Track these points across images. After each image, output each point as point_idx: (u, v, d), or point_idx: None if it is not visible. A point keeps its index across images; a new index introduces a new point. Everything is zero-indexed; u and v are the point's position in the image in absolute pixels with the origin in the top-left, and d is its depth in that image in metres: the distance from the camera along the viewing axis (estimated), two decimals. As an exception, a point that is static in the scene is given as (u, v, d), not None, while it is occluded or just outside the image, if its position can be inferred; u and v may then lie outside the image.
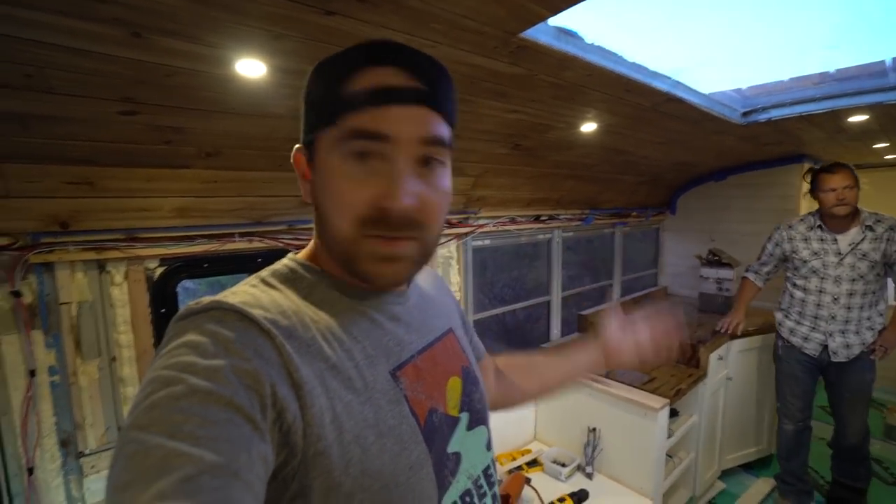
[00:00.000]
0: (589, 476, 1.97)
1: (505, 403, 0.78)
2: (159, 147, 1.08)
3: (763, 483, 2.42)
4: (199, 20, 0.74)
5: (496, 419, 2.10)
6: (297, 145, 0.49)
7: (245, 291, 0.44)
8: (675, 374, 2.18)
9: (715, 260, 2.88)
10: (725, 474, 2.48)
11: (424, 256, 0.48)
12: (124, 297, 1.20)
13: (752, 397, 2.52)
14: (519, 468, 2.01)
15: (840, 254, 2.01)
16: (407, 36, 0.88)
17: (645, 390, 1.99)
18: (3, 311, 1.05)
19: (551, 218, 2.38)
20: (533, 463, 2.07)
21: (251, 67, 0.90)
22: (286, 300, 0.45)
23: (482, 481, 0.56)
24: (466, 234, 1.92)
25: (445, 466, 0.49)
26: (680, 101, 1.41)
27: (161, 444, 0.31)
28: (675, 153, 2.42)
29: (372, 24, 0.82)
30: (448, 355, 0.57)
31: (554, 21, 0.91)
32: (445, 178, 0.47)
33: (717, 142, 2.25)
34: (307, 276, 0.49)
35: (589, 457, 2.01)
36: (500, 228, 2.09)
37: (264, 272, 0.49)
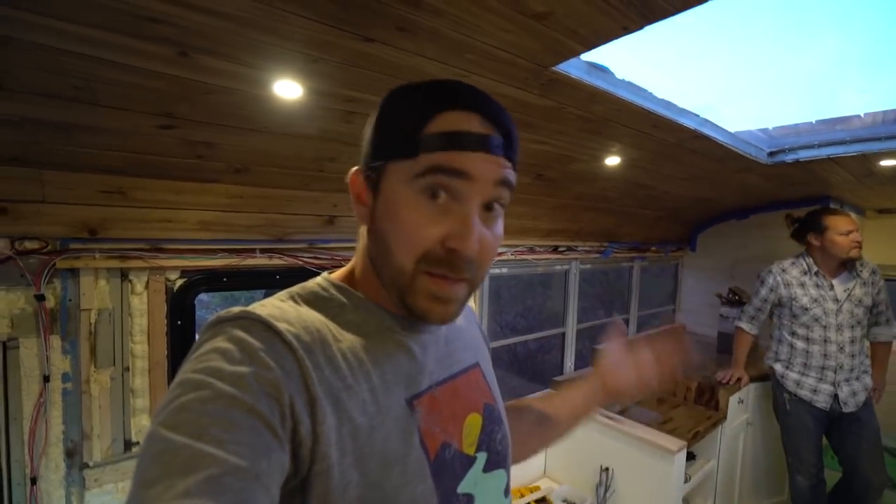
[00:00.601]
0: (600, 520, 1.88)
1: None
2: (191, 161, 1.11)
3: (784, 538, 2.28)
4: (243, 42, 0.76)
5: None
6: (355, 168, 0.49)
7: (273, 305, 0.44)
8: (693, 416, 2.11)
9: (735, 300, 2.82)
10: (744, 526, 2.35)
11: (470, 296, 0.49)
12: (143, 307, 1.21)
13: (772, 444, 2.41)
14: (527, 506, 1.94)
15: (838, 300, 1.97)
16: (441, 65, 0.90)
17: (662, 431, 1.92)
18: (27, 315, 1.06)
19: (569, 249, 2.36)
20: (542, 501, 2.00)
21: (288, 89, 0.92)
22: (312, 317, 0.45)
23: None
24: (484, 261, 1.91)
25: None
26: (706, 138, 1.40)
27: (188, 444, 0.32)
28: (698, 189, 2.40)
29: (408, 52, 0.84)
30: (471, 390, 0.55)
31: (586, 56, 0.92)
32: (501, 224, 0.49)
33: (740, 180, 2.23)
34: (338, 297, 0.49)
35: (601, 498, 1.93)
36: (518, 257, 2.08)
37: (296, 288, 0.49)
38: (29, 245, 1.05)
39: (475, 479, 0.51)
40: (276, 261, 1.39)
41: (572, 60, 0.93)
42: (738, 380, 2.24)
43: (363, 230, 0.50)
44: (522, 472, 2.15)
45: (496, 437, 0.56)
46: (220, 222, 1.27)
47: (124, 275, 1.19)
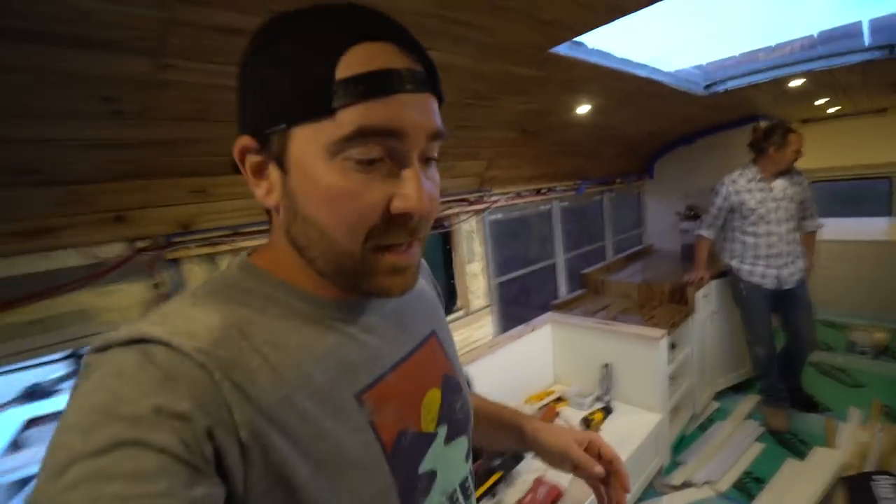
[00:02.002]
0: (608, 404, 2.32)
1: None
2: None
3: (749, 399, 2.83)
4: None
5: (517, 368, 2.47)
6: (242, 136, 0.39)
7: (179, 314, 0.37)
8: (669, 312, 2.53)
9: (692, 214, 3.27)
10: (719, 395, 2.89)
11: (421, 255, 0.45)
12: (231, 284, 1.47)
13: (734, 327, 2.92)
14: (547, 406, 2.36)
15: (777, 199, 2.42)
16: (443, 54, 1.17)
17: (646, 325, 2.35)
18: (149, 301, 1.31)
19: (550, 190, 2.71)
20: (558, 400, 2.42)
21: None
22: (231, 320, 0.38)
23: (458, 495, 0.52)
24: (483, 210, 2.23)
25: (415, 488, 0.45)
26: (657, 83, 1.73)
27: None
28: (649, 124, 2.77)
29: (441, 51, 1.11)
30: (427, 365, 0.51)
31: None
32: (436, 168, 0.43)
33: (684, 112, 2.61)
34: (262, 287, 0.42)
35: (605, 389, 2.37)
36: (509, 203, 2.40)
37: (212, 282, 0.42)
38: (141, 244, 1.29)
39: (436, 454, 0.49)
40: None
41: (558, 40, 1.22)
42: (701, 278, 2.67)
43: (274, 211, 0.42)
44: (537, 382, 2.54)
45: (456, 406, 0.53)
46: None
47: (212, 259, 1.44)
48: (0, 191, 0.91)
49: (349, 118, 0.35)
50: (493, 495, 1.69)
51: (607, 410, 2.18)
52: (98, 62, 0.78)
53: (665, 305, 2.66)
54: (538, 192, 2.63)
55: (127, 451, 0.29)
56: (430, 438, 0.48)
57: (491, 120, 1.70)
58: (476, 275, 2.29)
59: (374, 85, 0.35)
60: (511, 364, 2.29)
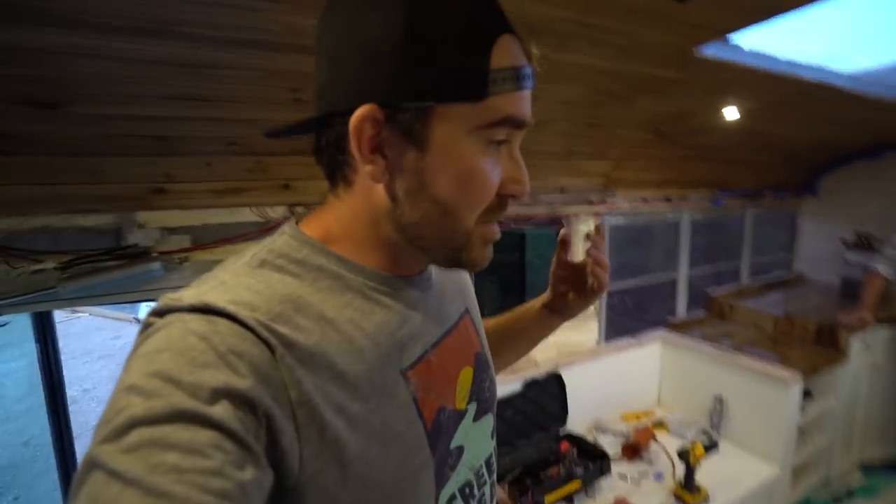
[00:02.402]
0: (714, 441, 2.11)
1: None
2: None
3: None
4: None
5: (618, 381, 2.37)
6: (366, 106, 0.36)
7: (238, 283, 0.37)
8: (810, 355, 2.19)
9: (864, 244, 2.74)
10: (866, 469, 2.41)
11: None
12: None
13: (902, 390, 2.41)
14: (644, 426, 2.22)
15: None
16: (579, 55, 1.17)
17: (778, 364, 2.05)
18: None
19: (681, 199, 2.51)
20: (658, 424, 2.27)
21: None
22: (286, 292, 0.38)
23: (483, 470, 0.53)
24: (605, 213, 2.17)
25: (446, 463, 0.47)
26: (829, 86, 1.50)
27: (137, 480, 0.26)
28: (817, 131, 2.37)
29: (575, 53, 1.13)
30: (462, 343, 0.53)
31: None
32: None
33: (866, 119, 2.19)
34: (315, 259, 0.42)
35: (714, 423, 2.15)
36: (633, 207, 2.29)
37: (263, 251, 0.41)
38: (299, 210, 1.54)
39: (466, 430, 0.50)
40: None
41: (704, 40, 1.15)
42: (863, 321, 2.23)
43: (367, 186, 0.41)
44: (638, 400, 2.38)
45: (485, 384, 0.55)
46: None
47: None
48: (213, 157, 1.19)
49: (500, 106, 0.38)
50: (570, 503, 1.67)
51: (712, 445, 1.99)
52: (288, 61, 0.99)
53: (807, 346, 2.31)
54: (667, 199, 2.46)
55: (185, 422, 0.29)
56: (461, 415, 0.50)
57: (623, 119, 1.65)
58: (587, 277, 2.24)
59: (520, 78, 0.38)
60: (612, 375, 2.21)
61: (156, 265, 1.31)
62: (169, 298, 0.35)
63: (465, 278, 0.63)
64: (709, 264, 2.97)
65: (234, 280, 0.38)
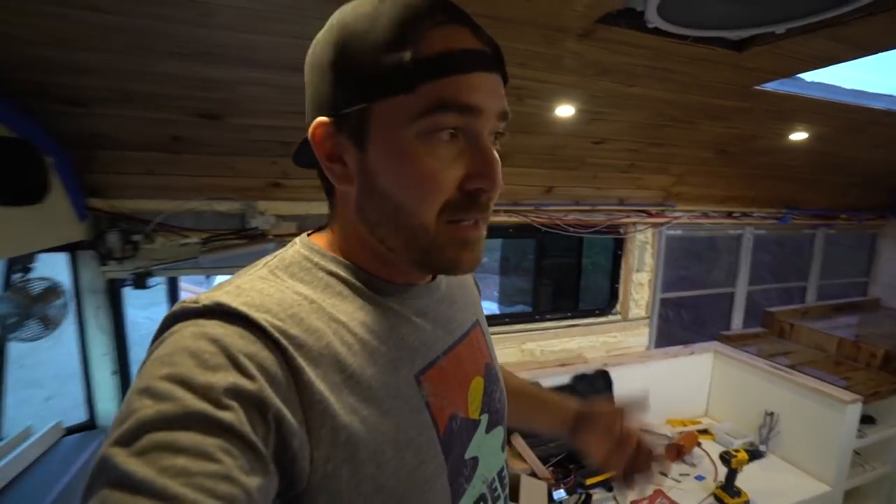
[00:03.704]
0: (762, 454, 2.11)
1: None
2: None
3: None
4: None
5: (667, 387, 2.42)
6: (319, 119, 0.40)
7: (252, 287, 0.38)
8: (875, 380, 2.13)
9: (949, 273, 2.59)
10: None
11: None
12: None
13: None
14: (689, 431, 2.26)
15: None
16: (645, 89, 1.29)
17: (837, 385, 2.00)
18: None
19: (744, 214, 2.51)
20: (704, 432, 2.30)
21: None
22: (299, 297, 0.39)
23: (496, 484, 0.53)
24: (662, 224, 2.25)
25: (461, 474, 0.47)
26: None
27: (147, 481, 0.27)
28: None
29: (641, 87, 1.26)
30: (473, 353, 0.53)
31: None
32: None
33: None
34: (325, 267, 0.43)
35: (764, 437, 2.14)
36: (692, 221, 2.34)
37: (274, 260, 0.43)
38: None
39: (479, 441, 0.50)
40: (512, 218, 1.96)
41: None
42: None
43: (343, 192, 0.43)
44: (686, 409, 2.40)
45: (496, 396, 0.55)
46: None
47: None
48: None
49: (430, 92, 0.37)
50: (609, 490, 1.77)
51: (756, 454, 2.00)
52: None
53: (872, 371, 2.24)
54: (729, 214, 2.47)
55: (195, 424, 0.29)
56: (475, 425, 0.49)
57: (686, 139, 1.74)
58: (641, 284, 2.33)
59: (453, 63, 0.37)
60: (660, 381, 2.25)
61: (270, 245, 1.60)
62: (186, 302, 0.36)
63: (475, 293, 0.63)
64: (777, 282, 2.92)
65: (248, 284, 0.39)
